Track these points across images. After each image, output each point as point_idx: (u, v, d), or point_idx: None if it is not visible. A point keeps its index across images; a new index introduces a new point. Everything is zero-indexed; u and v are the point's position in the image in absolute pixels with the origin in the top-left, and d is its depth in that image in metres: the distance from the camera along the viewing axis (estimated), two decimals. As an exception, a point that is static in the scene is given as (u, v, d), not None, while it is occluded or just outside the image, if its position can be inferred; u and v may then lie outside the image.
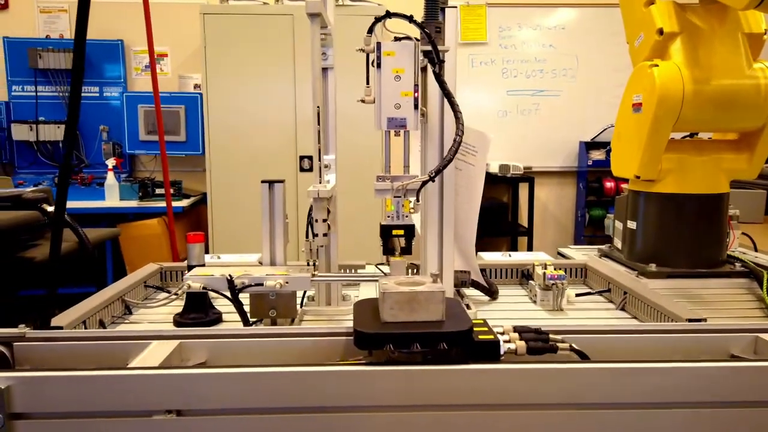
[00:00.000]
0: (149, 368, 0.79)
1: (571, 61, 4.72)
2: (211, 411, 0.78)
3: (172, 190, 4.18)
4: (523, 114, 4.76)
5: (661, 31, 1.48)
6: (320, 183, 1.11)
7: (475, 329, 0.87)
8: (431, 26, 1.11)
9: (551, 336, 0.88)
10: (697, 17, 1.49)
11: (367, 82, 1.07)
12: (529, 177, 4.49)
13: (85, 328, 1.09)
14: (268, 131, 3.83)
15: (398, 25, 1.09)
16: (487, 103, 4.72)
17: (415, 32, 1.10)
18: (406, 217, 1.08)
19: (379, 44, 1.04)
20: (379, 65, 1.04)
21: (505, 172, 4.41)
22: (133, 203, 4.09)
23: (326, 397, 0.79)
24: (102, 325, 1.14)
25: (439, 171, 1.05)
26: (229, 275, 1.06)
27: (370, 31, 1.05)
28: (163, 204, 3.92)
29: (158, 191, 4.19)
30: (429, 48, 1.07)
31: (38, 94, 4.42)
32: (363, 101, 1.07)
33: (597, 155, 4.57)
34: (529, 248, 4.48)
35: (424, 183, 1.05)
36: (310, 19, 1.05)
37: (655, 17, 1.49)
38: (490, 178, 4.42)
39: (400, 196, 1.07)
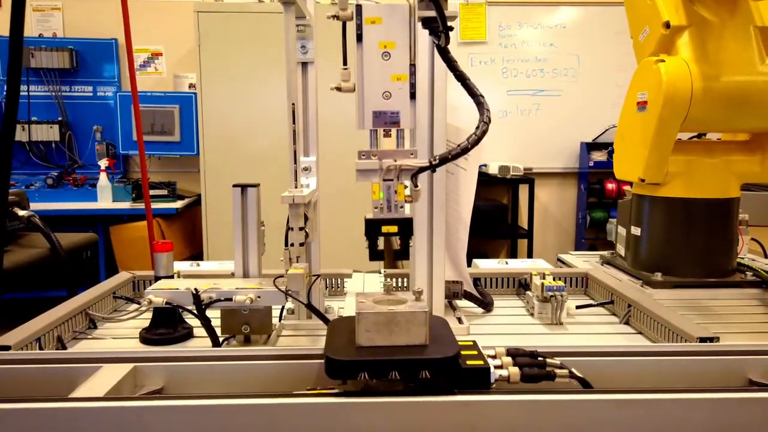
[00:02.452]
0: (92, 399, 0.70)
1: (572, 61, 4.63)
2: (160, 448, 0.69)
3: (165, 191, 4.11)
4: (523, 114, 4.67)
5: (667, 25, 1.38)
6: (296, 188, 1.01)
7: (463, 353, 0.77)
8: None
9: (548, 361, 0.78)
10: (706, 9, 1.39)
11: (344, 63, 0.85)
12: (529, 178, 4.40)
13: (40, 346, 1.00)
14: (265, 131, 3.75)
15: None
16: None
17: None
18: (401, 207, 0.83)
19: (359, 7, 0.80)
20: (360, 38, 0.80)
21: (505, 173, 4.32)
22: (126, 204, 4.01)
23: (292, 433, 0.69)
24: (60, 342, 1.05)
25: (446, 160, 0.80)
26: (195, 289, 0.96)
27: (348, -10, 0.83)
28: (158, 206, 3.84)
29: (152, 192, 4.10)
30: (431, 13, 0.78)
31: (30, 93, 4.34)
32: (339, 89, 0.87)
33: (598, 156, 4.48)
34: (530, 251, 4.39)
35: (422, 170, 0.82)
36: (284, 8, 0.95)
37: (661, 9, 1.39)
38: (489, 179, 4.33)
39: (391, 180, 0.81)
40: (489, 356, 0.79)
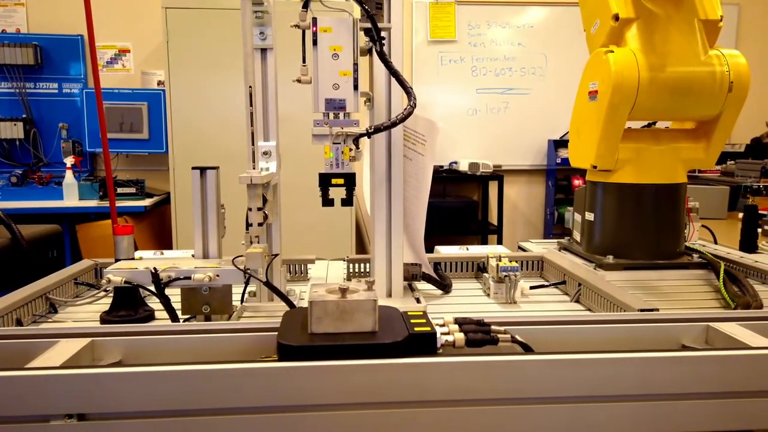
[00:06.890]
0: (47, 368, 0.71)
1: (540, 60, 4.72)
2: (116, 414, 0.71)
3: (134, 189, 4.07)
4: (492, 112, 4.75)
5: (616, 17, 1.44)
6: (253, 169, 1.04)
7: (411, 321, 0.81)
8: (371, 2, 1.06)
9: (493, 327, 0.82)
10: (653, 3, 1.45)
11: (303, 61, 1.01)
12: (498, 175, 4.48)
13: (-2, 327, 1.00)
14: (235, 129, 3.73)
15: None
16: (456, 101, 4.70)
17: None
18: (346, 165, 1.03)
19: (315, 19, 0.98)
20: (315, 42, 0.98)
21: (475, 170, 4.39)
22: (93, 203, 3.96)
23: (245, 398, 0.72)
24: (19, 323, 1.05)
25: (378, 129, 1.01)
26: (154, 268, 0.98)
27: (306, 5, 0.99)
28: (126, 203, 3.81)
29: (120, 190, 4.06)
30: (368, 25, 1.01)
31: (-7, 90, 4.26)
32: (299, 81, 1.01)
33: (565, 153, 4.58)
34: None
35: (361, 135, 1.01)
36: (241, -7, 0.98)
37: (611, 3, 1.46)
38: (460, 176, 4.40)
39: (339, 143, 1.01)
40: (437, 324, 0.82)
